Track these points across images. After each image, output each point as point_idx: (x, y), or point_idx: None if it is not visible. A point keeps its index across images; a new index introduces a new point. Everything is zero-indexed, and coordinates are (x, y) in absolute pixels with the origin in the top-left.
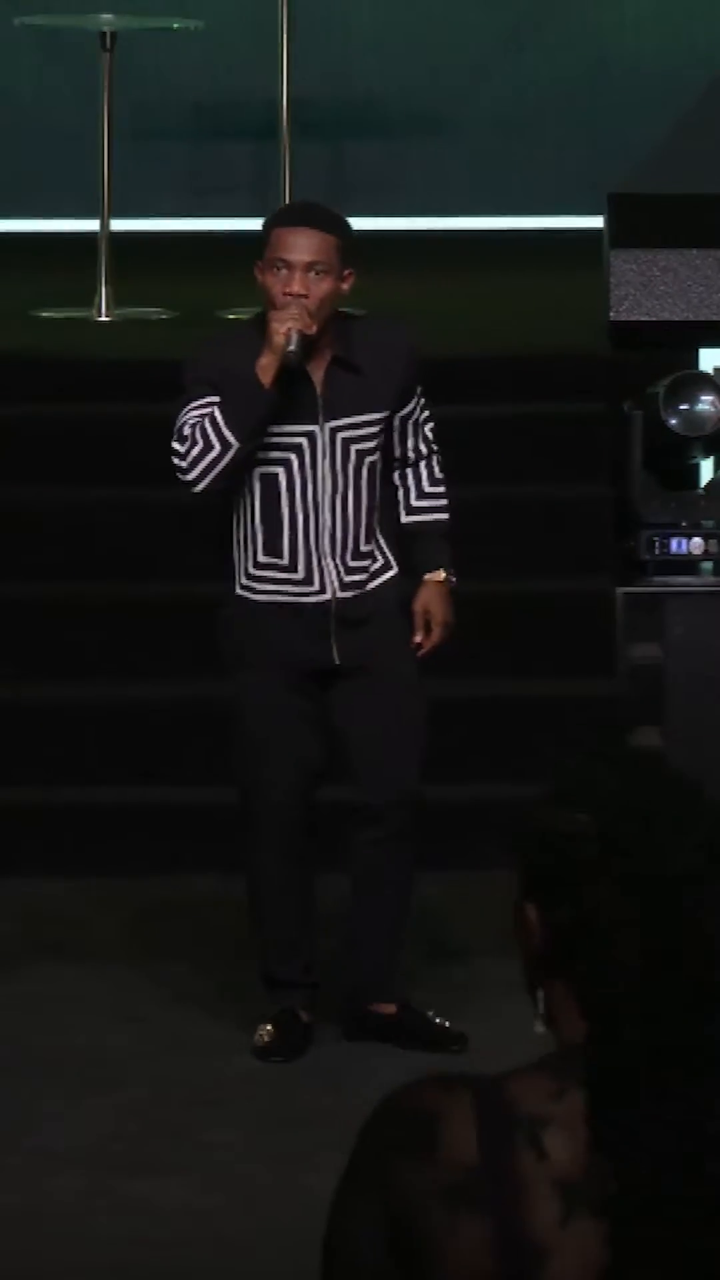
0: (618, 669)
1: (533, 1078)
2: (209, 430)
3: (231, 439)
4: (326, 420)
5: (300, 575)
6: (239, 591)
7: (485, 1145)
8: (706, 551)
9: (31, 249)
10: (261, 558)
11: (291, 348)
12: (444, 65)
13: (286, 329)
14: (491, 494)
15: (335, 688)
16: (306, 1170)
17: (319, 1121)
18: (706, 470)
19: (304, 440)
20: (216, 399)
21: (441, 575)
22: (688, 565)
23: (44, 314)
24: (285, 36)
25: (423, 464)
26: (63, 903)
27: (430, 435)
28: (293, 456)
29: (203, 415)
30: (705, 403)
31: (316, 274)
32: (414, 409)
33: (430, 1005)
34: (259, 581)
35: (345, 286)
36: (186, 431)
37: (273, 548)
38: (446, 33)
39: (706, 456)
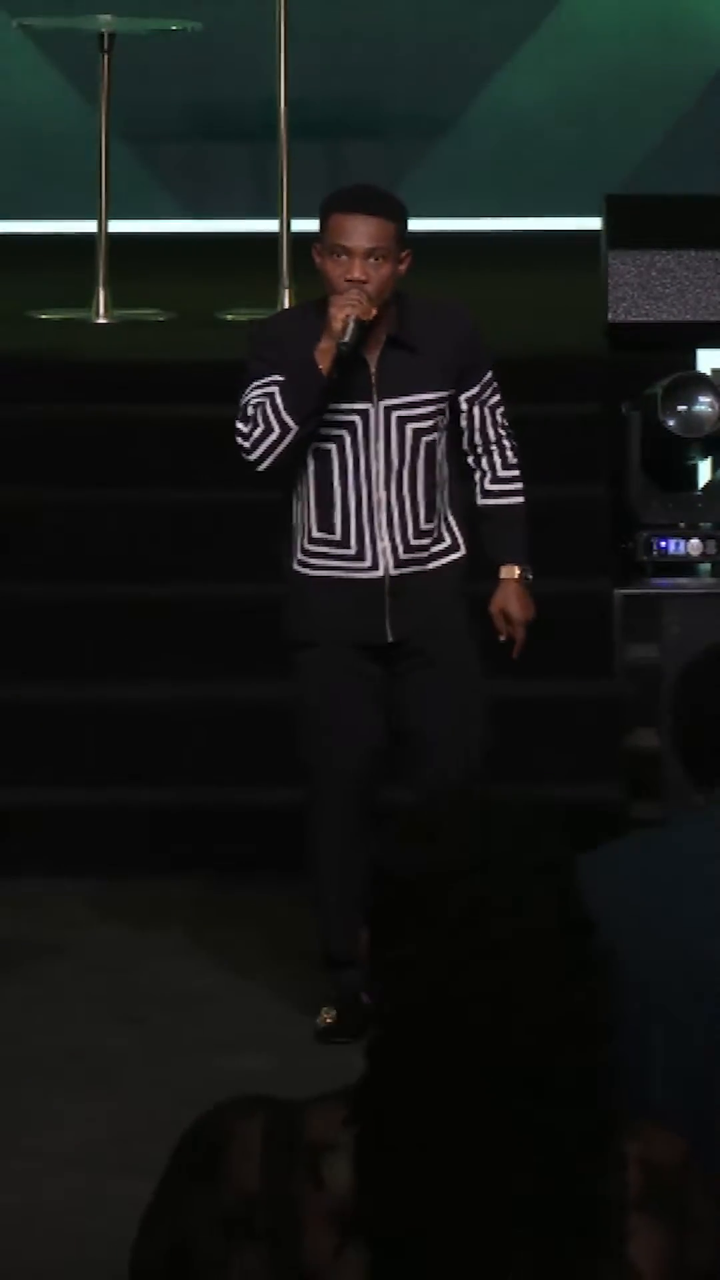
0: (615, 670)
1: (332, 1105)
2: (269, 412)
3: (290, 422)
4: (380, 399)
5: (353, 551)
6: (296, 567)
7: (266, 1173)
8: (704, 553)
9: (30, 250)
10: (316, 533)
11: (346, 339)
12: (442, 67)
13: (345, 315)
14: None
15: (395, 670)
16: None
17: None
18: (704, 471)
19: (357, 418)
20: (277, 378)
21: (516, 572)
22: (686, 566)
23: (42, 315)
24: (283, 38)
25: (494, 449)
26: (63, 903)
27: (501, 420)
28: (346, 434)
29: (264, 396)
30: (703, 404)
31: (375, 259)
32: (480, 391)
33: None
34: (313, 557)
35: (402, 269)
36: (250, 412)
37: (326, 523)
38: (444, 34)
39: (704, 457)
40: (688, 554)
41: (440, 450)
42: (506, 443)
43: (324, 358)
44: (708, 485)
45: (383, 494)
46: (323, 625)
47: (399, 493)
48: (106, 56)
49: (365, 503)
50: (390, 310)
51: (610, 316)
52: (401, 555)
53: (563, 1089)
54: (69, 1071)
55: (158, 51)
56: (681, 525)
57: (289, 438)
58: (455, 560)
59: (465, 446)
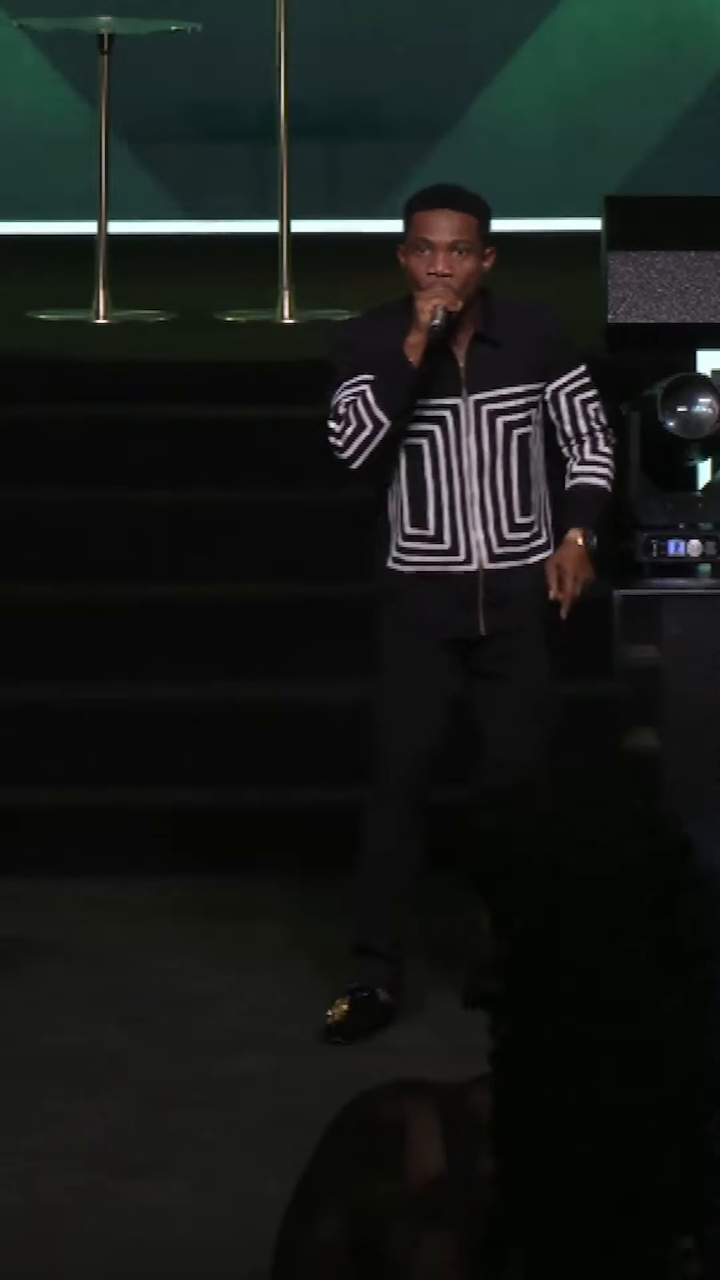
0: (615, 670)
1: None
2: (361, 409)
3: (383, 417)
4: (470, 393)
5: (446, 545)
6: (390, 564)
7: (450, 1156)
8: (704, 553)
9: (29, 251)
10: (409, 529)
11: (436, 323)
12: (441, 67)
13: (433, 306)
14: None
15: (476, 664)
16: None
17: (318, 1123)
18: (704, 472)
19: (448, 413)
20: (367, 378)
21: (581, 534)
22: (685, 567)
23: (42, 316)
24: (283, 39)
25: (585, 440)
26: (62, 903)
27: (595, 414)
28: (436, 429)
29: (355, 395)
30: (703, 405)
31: (460, 253)
32: (568, 383)
33: (433, 1007)
34: (408, 553)
35: (487, 265)
36: (341, 410)
37: (419, 519)
38: (443, 35)
39: (704, 458)
40: (687, 554)
41: (534, 446)
42: (600, 435)
43: (414, 351)
44: (707, 486)
45: (475, 488)
46: (416, 621)
47: (492, 486)
48: (106, 57)
49: (458, 497)
50: (476, 306)
51: (610, 317)
52: (496, 549)
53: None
54: (68, 1071)
55: (157, 52)
56: (681, 526)
57: (381, 433)
58: (551, 556)
59: (559, 441)
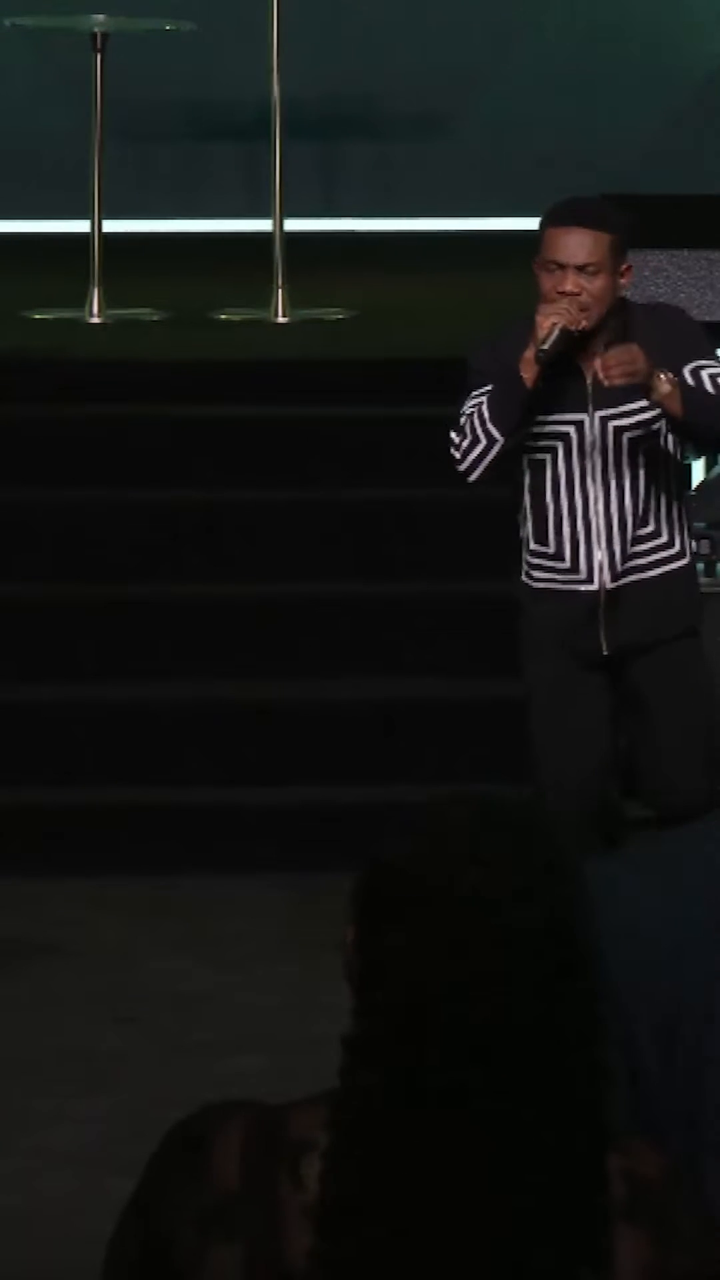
0: None
1: (315, 1105)
2: (476, 424)
3: (496, 433)
4: (596, 409)
5: (568, 564)
6: (523, 579)
7: (247, 1172)
8: (700, 552)
9: (23, 250)
10: (534, 545)
11: (545, 346)
12: (436, 66)
13: (550, 323)
14: (489, 494)
15: (623, 686)
16: None
17: None
18: (698, 471)
19: (571, 429)
20: (490, 389)
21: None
22: None
23: (36, 315)
24: (276, 37)
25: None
26: (61, 903)
27: (711, 379)
28: (559, 445)
29: (474, 407)
30: None
31: (589, 273)
32: (695, 367)
33: None
34: (535, 569)
35: (624, 281)
36: (461, 422)
37: (542, 536)
38: (438, 33)
39: (698, 457)
40: None
41: (663, 458)
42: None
43: (528, 367)
44: (701, 485)
45: (599, 507)
46: (547, 636)
47: (618, 505)
48: (100, 56)
49: (579, 515)
50: (612, 321)
51: None
52: (619, 568)
53: (557, 1089)
54: (66, 1071)
55: (151, 51)
56: None
57: (495, 449)
58: (680, 568)
59: None
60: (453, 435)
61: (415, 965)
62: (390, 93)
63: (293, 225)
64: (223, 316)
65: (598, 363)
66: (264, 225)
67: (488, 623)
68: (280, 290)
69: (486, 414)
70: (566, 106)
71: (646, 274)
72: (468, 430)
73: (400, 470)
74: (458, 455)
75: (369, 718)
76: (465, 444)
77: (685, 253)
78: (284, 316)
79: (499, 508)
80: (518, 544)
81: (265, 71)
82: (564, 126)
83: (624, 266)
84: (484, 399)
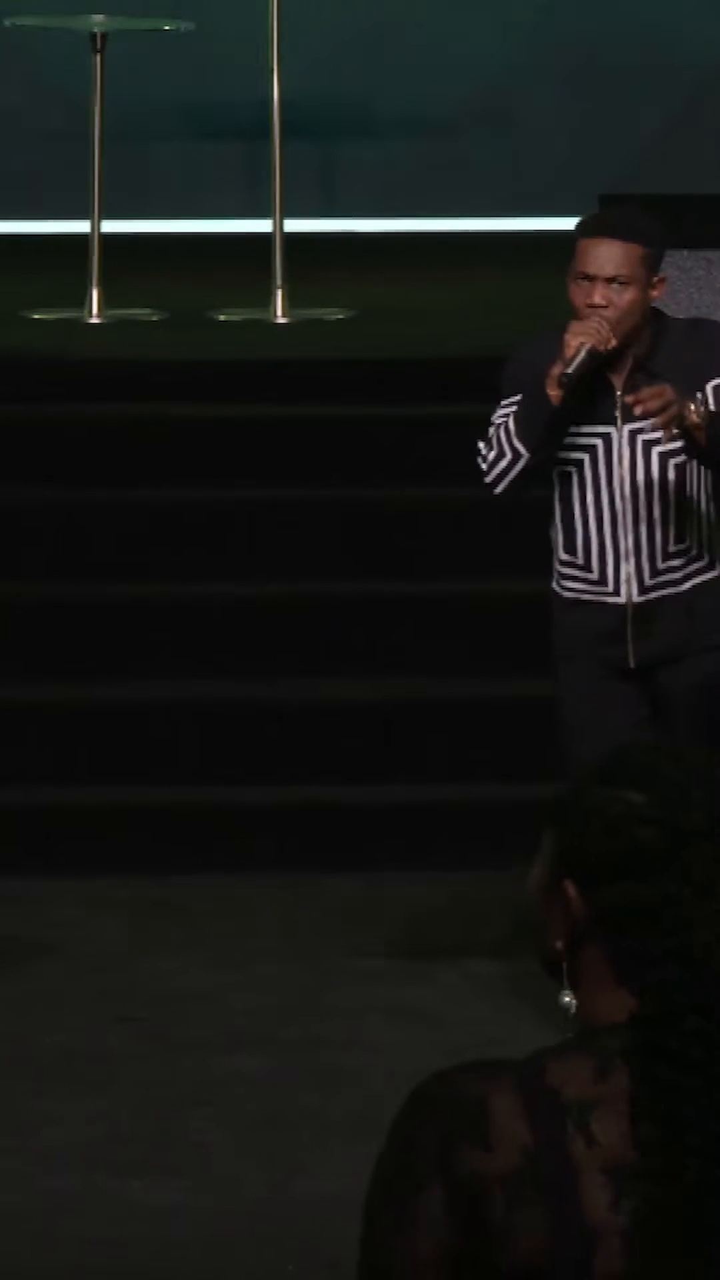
0: None
1: (570, 1059)
2: (503, 437)
3: (522, 449)
4: (625, 422)
5: (595, 576)
6: (554, 587)
7: (537, 1132)
8: None
9: (22, 250)
10: (563, 555)
11: (569, 370)
12: (434, 66)
13: (579, 343)
14: (488, 493)
15: (651, 697)
16: (298, 1172)
17: (311, 1123)
18: None
19: (599, 441)
20: (517, 401)
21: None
22: None
23: (35, 315)
24: (276, 37)
25: None
26: (60, 903)
27: None
28: (586, 457)
29: (502, 420)
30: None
31: (619, 285)
32: (717, 384)
33: (418, 1007)
34: (565, 579)
35: (655, 293)
36: (490, 433)
37: (570, 546)
38: (436, 34)
39: None
40: None
41: (694, 472)
42: None
43: (554, 385)
44: None
45: (627, 519)
46: (578, 644)
47: (647, 518)
48: (99, 56)
49: (607, 528)
50: (644, 333)
51: None
52: (647, 581)
53: None
54: (64, 1071)
55: (150, 51)
56: None
57: (520, 464)
58: (710, 580)
59: None
60: (480, 446)
61: (694, 907)
62: (390, 93)
63: (292, 225)
64: (222, 317)
65: (630, 398)
66: (264, 225)
67: (488, 623)
68: (280, 290)
69: (513, 428)
70: (566, 106)
71: None
72: (495, 442)
73: (400, 470)
74: (484, 467)
75: (369, 718)
76: (492, 456)
77: (685, 253)
78: (284, 317)
79: (500, 508)
80: (550, 549)
81: (265, 71)
82: (564, 126)
83: (656, 279)
84: (512, 412)
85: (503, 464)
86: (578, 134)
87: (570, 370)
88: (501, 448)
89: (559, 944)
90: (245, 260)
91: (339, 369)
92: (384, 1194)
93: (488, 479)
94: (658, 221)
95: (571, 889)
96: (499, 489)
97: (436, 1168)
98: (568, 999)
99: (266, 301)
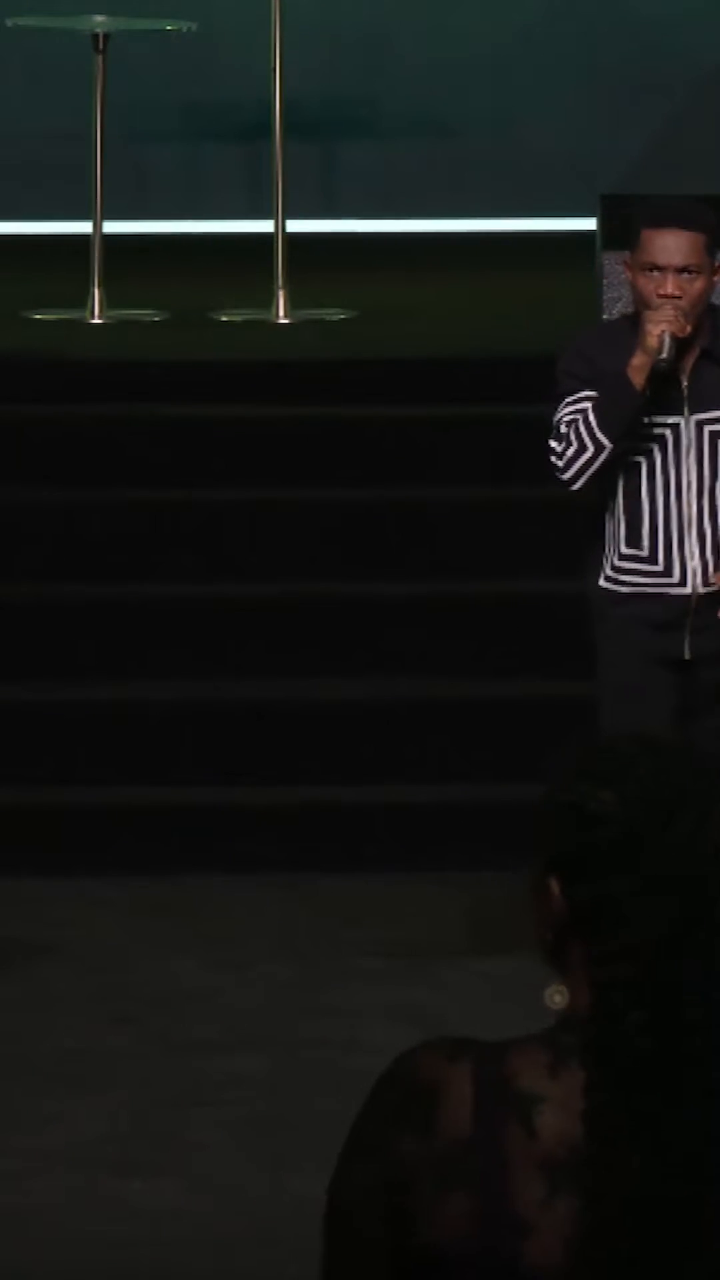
0: None
1: (533, 1050)
2: (583, 431)
3: (604, 440)
4: (692, 413)
5: (660, 567)
6: (602, 584)
7: (479, 1120)
8: None
9: (23, 250)
10: (625, 549)
11: (663, 355)
12: (436, 66)
13: (660, 331)
14: (487, 493)
15: (689, 692)
16: (296, 1172)
17: (309, 1123)
18: None
19: (667, 432)
20: (590, 395)
21: None
22: None
23: (37, 316)
24: (278, 38)
25: None
26: (60, 903)
27: None
28: (655, 448)
29: (577, 414)
30: None
31: (689, 274)
32: None
33: (418, 1007)
34: (622, 573)
35: (718, 279)
36: (563, 430)
37: (634, 539)
38: (439, 34)
39: None
40: None
41: None
42: None
43: (638, 374)
44: None
45: (693, 509)
46: (628, 639)
47: (711, 508)
48: (101, 56)
49: (675, 518)
50: (705, 323)
51: (605, 316)
52: (712, 572)
53: None
54: (63, 1071)
55: (152, 51)
56: None
57: (603, 456)
58: None
59: None
60: (553, 444)
61: (653, 904)
62: (390, 93)
63: (293, 226)
64: (224, 317)
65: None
66: (265, 226)
67: (489, 623)
68: (281, 291)
69: (594, 421)
70: (567, 106)
71: None
72: (572, 438)
73: (401, 470)
74: (560, 464)
75: (369, 718)
76: (571, 452)
77: None
78: (285, 317)
79: (500, 508)
80: (591, 547)
81: (266, 71)
82: (564, 126)
83: (718, 266)
84: (588, 406)
85: (584, 458)
86: (578, 134)
87: (664, 355)
88: (582, 442)
89: (549, 938)
90: (246, 261)
91: (340, 369)
92: (337, 1171)
93: (565, 475)
94: (712, 211)
95: (555, 885)
96: (578, 484)
97: (379, 1143)
98: (558, 997)
99: (268, 302)
